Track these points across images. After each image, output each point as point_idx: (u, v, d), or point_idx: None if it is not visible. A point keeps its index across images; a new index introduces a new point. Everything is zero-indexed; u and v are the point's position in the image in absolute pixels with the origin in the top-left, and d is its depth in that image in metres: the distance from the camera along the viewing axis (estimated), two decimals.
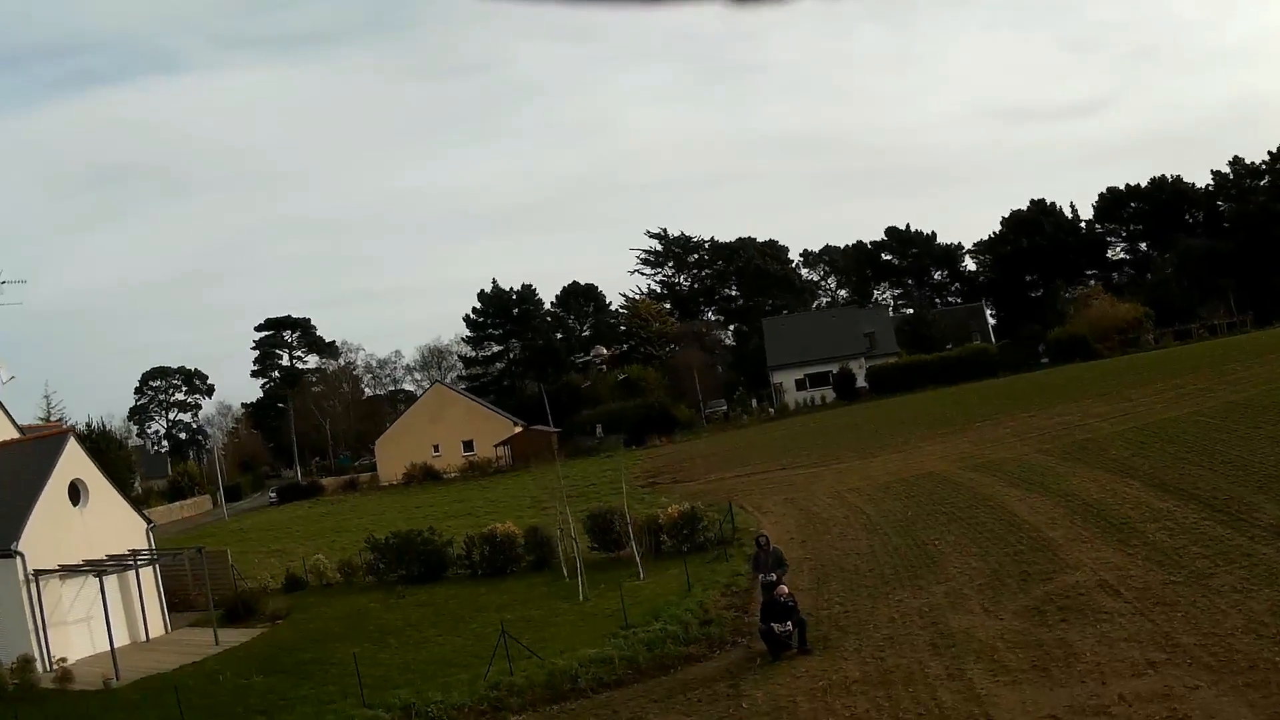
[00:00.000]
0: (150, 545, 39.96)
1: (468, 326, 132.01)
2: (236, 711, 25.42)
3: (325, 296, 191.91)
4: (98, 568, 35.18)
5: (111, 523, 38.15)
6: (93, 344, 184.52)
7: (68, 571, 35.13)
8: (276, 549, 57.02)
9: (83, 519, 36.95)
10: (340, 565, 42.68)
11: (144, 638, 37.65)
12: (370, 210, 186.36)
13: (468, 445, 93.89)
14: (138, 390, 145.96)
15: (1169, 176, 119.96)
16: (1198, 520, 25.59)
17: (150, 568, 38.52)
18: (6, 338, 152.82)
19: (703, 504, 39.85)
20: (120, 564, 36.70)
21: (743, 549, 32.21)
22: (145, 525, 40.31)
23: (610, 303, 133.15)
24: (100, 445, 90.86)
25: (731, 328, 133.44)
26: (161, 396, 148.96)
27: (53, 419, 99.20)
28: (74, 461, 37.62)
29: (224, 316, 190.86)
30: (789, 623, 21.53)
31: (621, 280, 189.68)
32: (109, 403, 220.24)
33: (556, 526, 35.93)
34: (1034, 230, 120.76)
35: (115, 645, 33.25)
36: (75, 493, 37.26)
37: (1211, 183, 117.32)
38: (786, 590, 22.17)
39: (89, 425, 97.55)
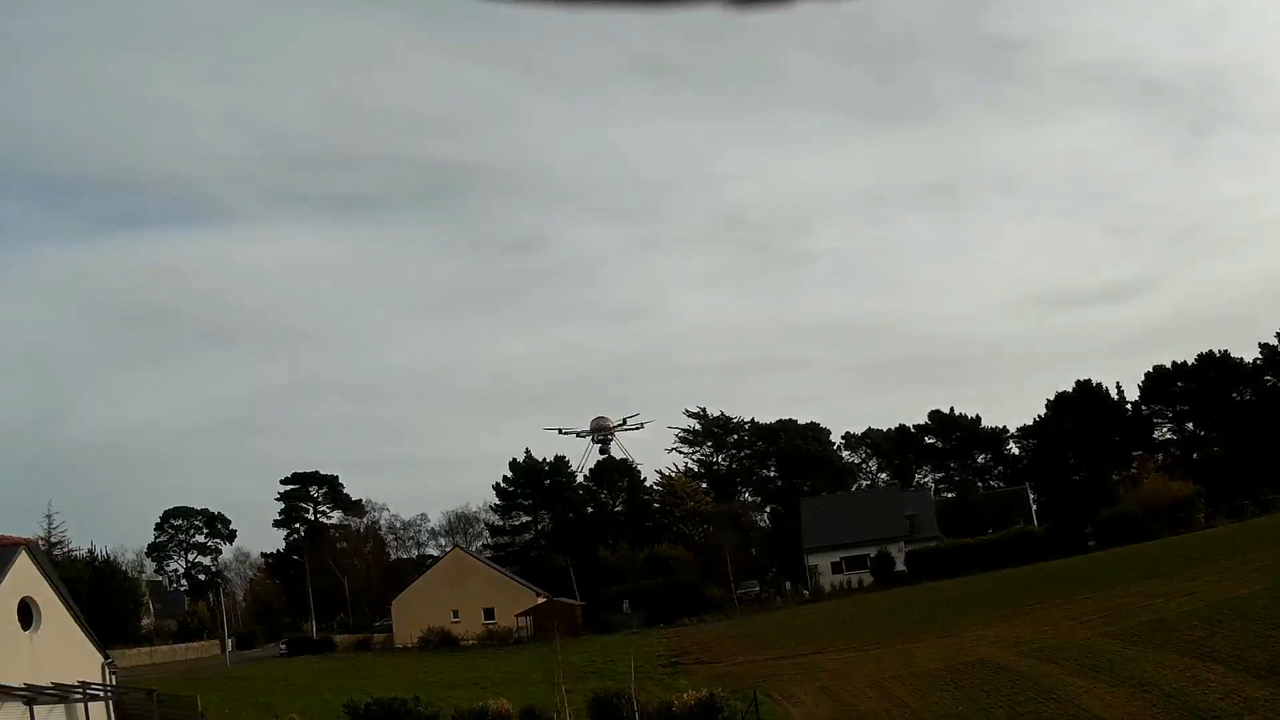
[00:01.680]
0: (105, 680, 36.56)
1: (497, 495, 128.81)
2: None
3: (355, 458, 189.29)
4: (34, 694, 31.63)
5: (63, 651, 35.01)
6: (119, 481, 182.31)
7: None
8: (266, 702, 53.22)
9: (31, 642, 33.64)
10: None
11: None
12: (409, 376, 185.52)
13: (489, 613, 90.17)
14: (158, 527, 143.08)
15: (1216, 352, 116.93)
16: None
17: (104, 705, 35.10)
18: (35, 466, 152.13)
19: (725, 690, 35.92)
20: (61, 694, 33.27)
21: None
22: (102, 660, 37.06)
23: (645, 479, 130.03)
24: (103, 574, 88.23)
25: (768, 509, 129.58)
26: (181, 536, 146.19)
27: (53, 543, 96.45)
28: (25, 578, 34.43)
29: (252, 467, 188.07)
30: None
31: (658, 458, 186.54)
32: (128, 537, 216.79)
33: (555, 708, 31.78)
34: (1079, 411, 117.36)
35: None
36: (26, 613, 33.94)
37: (1259, 356, 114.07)
38: None
39: (92, 554, 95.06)
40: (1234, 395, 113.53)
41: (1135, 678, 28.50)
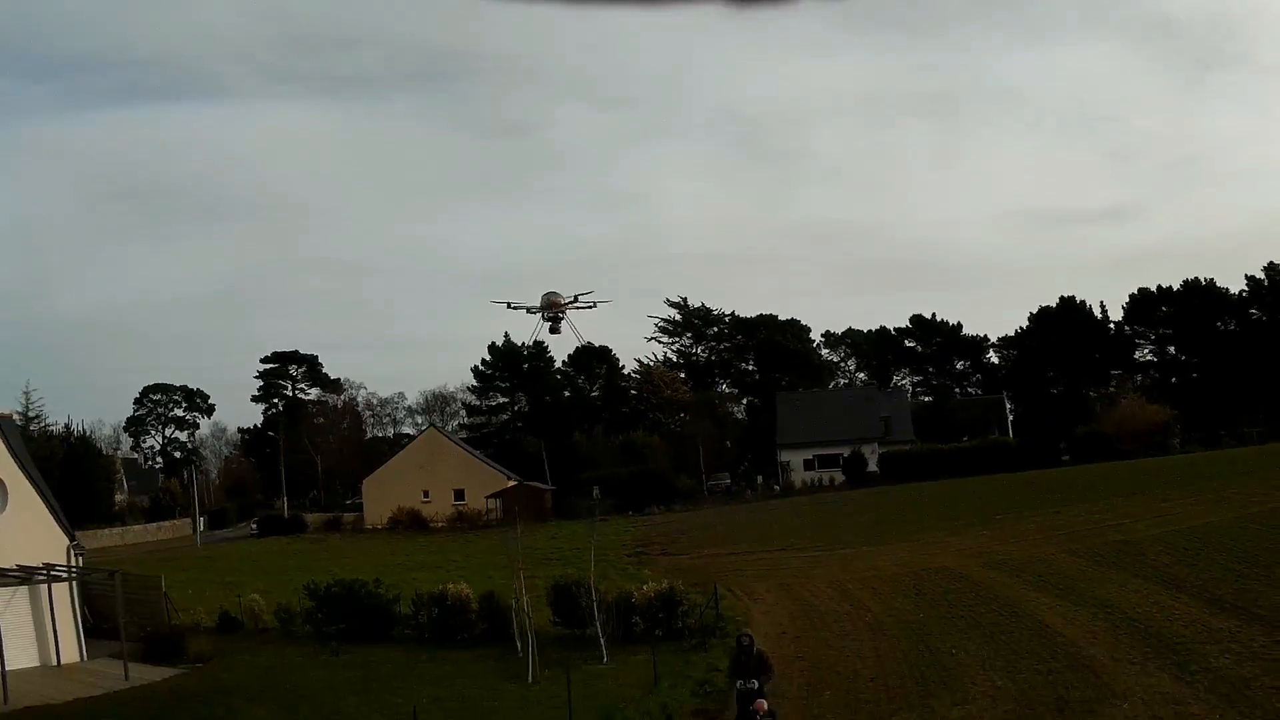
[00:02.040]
0: (70, 562, 35.95)
1: (475, 377, 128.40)
2: None
3: (336, 336, 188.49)
4: None
5: (29, 532, 34.33)
6: (104, 355, 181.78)
7: None
8: (231, 581, 52.98)
9: None
10: (277, 610, 38.47)
11: (55, 662, 33.95)
12: (393, 256, 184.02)
13: (459, 495, 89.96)
14: (137, 402, 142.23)
15: (1202, 280, 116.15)
16: (1267, 645, 21.32)
17: (68, 588, 34.57)
18: (18, 340, 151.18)
19: (686, 583, 35.52)
20: (22, 576, 32.73)
21: (725, 641, 27.83)
22: (67, 541, 36.41)
23: (623, 366, 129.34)
24: (78, 451, 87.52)
25: (745, 401, 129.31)
26: (160, 411, 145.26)
27: (30, 418, 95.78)
28: None
29: (234, 345, 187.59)
30: None
31: (637, 347, 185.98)
32: (108, 413, 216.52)
33: (513, 593, 31.23)
34: (1061, 327, 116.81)
35: (16, 667, 29.79)
36: None
37: (1246, 289, 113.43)
38: (766, 707, 17.84)
39: (68, 428, 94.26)
40: (1218, 325, 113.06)
41: (1099, 599, 28.13)
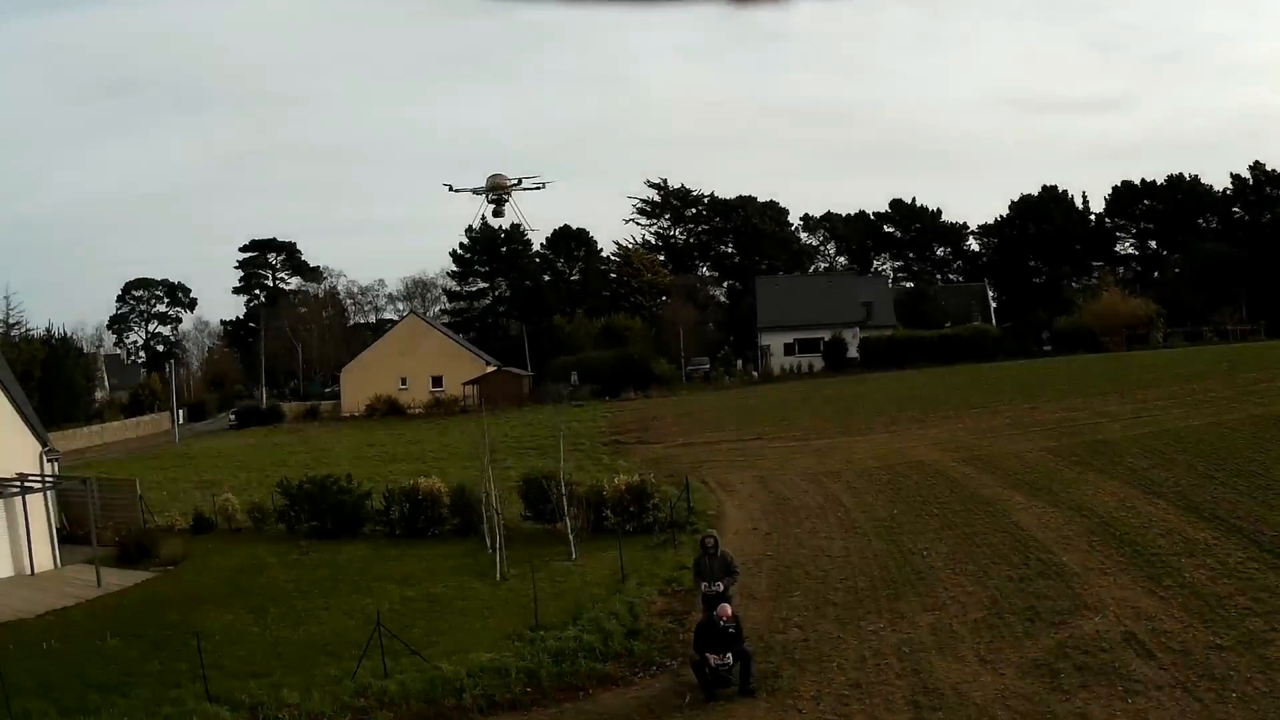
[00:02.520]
0: (43, 470, 35.48)
1: (454, 262, 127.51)
2: (69, 685, 20.88)
3: (317, 223, 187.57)
4: None
5: (1, 442, 33.59)
6: (85, 253, 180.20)
7: None
8: (208, 479, 52.73)
9: None
10: (250, 509, 38.23)
11: (29, 571, 33.50)
12: (372, 141, 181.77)
13: (436, 381, 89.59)
14: (119, 299, 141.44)
15: (1186, 175, 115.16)
16: (1243, 561, 20.95)
17: (42, 497, 34.14)
18: (4, 243, 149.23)
19: (660, 475, 35.30)
20: None
21: (694, 537, 27.46)
22: (39, 449, 35.85)
23: (602, 249, 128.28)
24: (59, 352, 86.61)
25: (725, 285, 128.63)
26: (143, 307, 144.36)
27: (11, 324, 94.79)
28: None
29: (215, 235, 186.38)
30: (728, 655, 16.88)
31: (616, 229, 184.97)
32: (92, 310, 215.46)
33: (484, 488, 30.74)
34: (1042, 216, 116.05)
35: None
36: None
37: (1230, 186, 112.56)
38: (730, 611, 17.45)
39: (49, 331, 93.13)
40: (1200, 221, 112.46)
41: (1074, 500, 27.84)
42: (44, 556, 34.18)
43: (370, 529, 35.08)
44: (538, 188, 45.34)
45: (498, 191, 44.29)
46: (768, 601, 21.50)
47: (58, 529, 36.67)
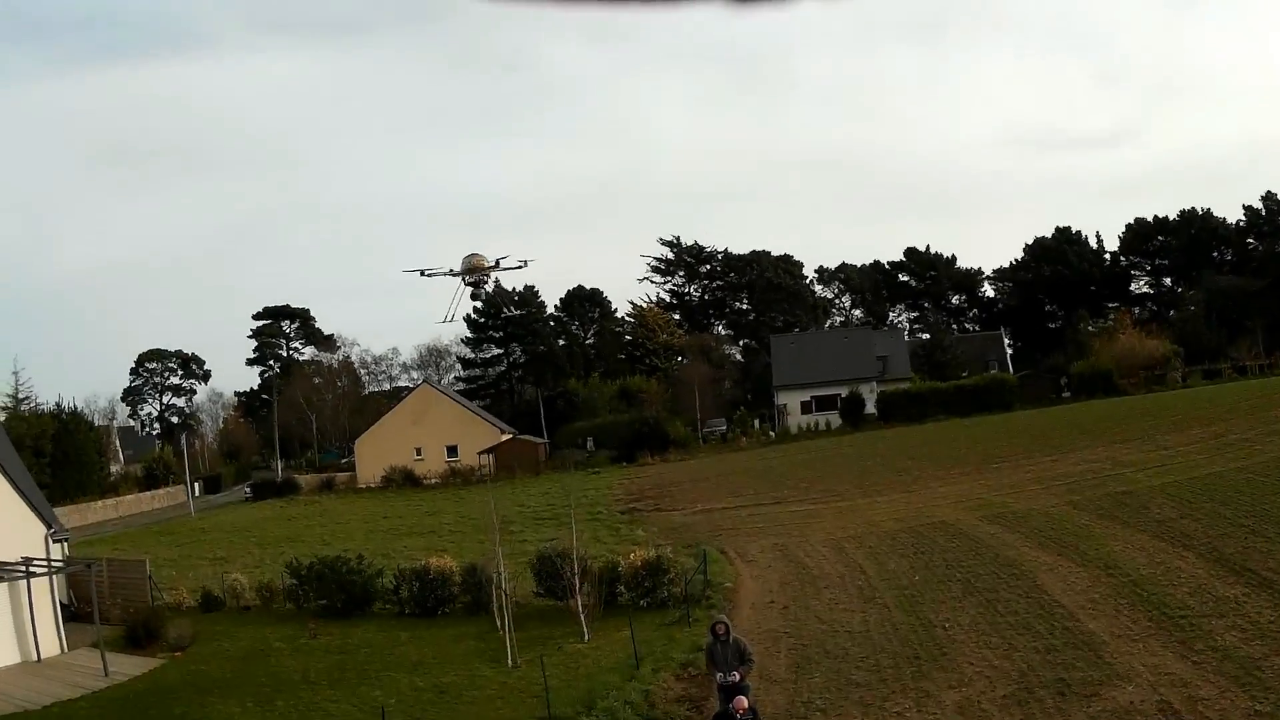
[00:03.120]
0: (48, 554, 35.02)
1: (468, 327, 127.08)
2: None
3: (329, 287, 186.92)
4: None
5: (3, 526, 33.16)
6: (96, 323, 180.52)
7: None
8: (220, 555, 52.22)
9: None
10: (259, 588, 37.67)
11: (35, 657, 32.90)
12: (384, 202, 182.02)
13: (452, 450, 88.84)
14: (133, 371, 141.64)
15: (1199, 210, 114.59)
16: (1275, 619, 20.16)
17: (48, 580, 33.70)
18: (15, 314, 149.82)
19: (677, 546, 34.64)
20: (1, 574, 31.82)
21: (710, 612, 26.74)
22: (45, 530, 35.39)
23: (616, 310, 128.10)
24: (69, 426, 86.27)
25: (741, 343, 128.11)
26: (156, 379, 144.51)
27: (20, 399, 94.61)
28: None
29: (228, 302, 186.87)
30: None
31: (629, 288, 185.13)
32: (104, 384, 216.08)
33: (495, 566, 30.02)
34: (1057, 259, 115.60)
35: None
36: None
37: (1243, 218, 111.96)
38: (747, 704, 16.69)
39: (59, 405, 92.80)
40: (1214, 255, 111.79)
41: (1102, 558, 27.03)
42: (50, 641, 33.63)
43: (380, 607, 34.54)
44: (519, 267, 43.25)
45: (475, 274, 42.17)
46: (788, 684, 20.72)
47: (66, 606, 36.34)
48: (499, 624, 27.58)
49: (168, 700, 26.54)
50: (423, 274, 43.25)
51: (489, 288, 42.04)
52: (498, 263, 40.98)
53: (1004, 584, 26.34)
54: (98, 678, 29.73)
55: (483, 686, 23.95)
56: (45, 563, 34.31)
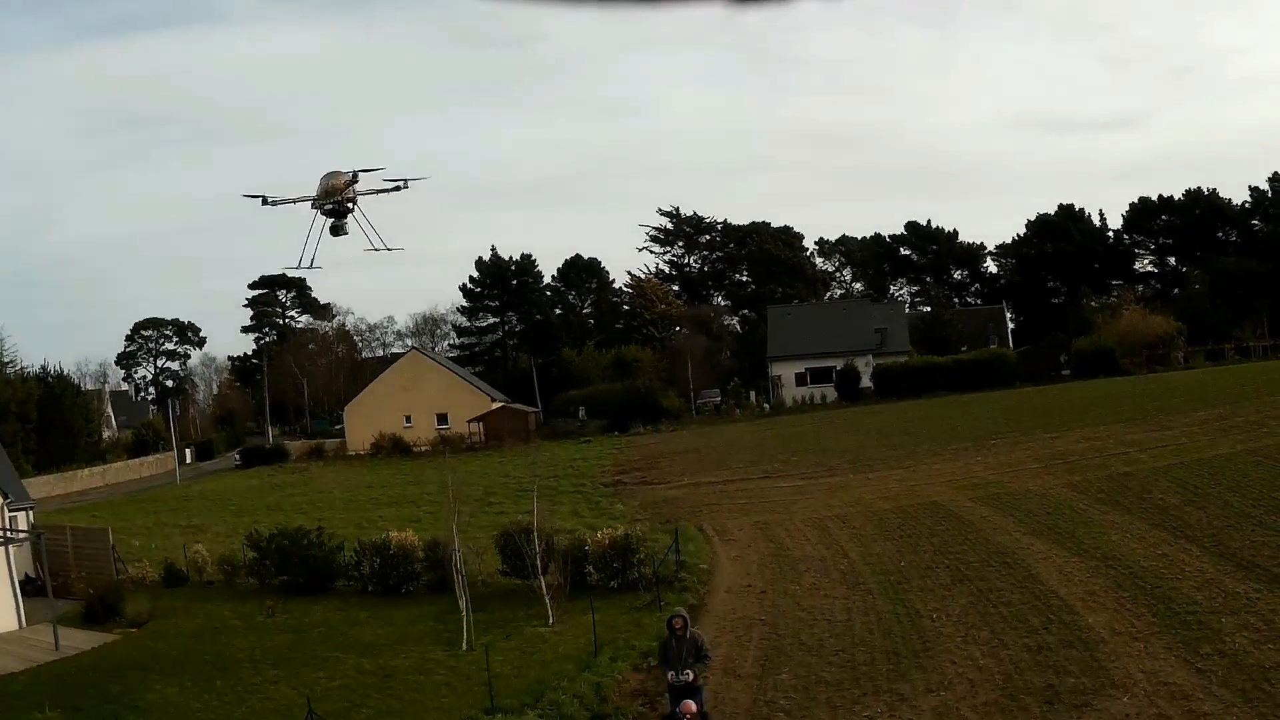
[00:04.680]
0: (4, 525, 33.60)
1: (464, 295, 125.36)
2: None
3: (329, 256, 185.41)
4: None
5: None
6: (95, 292, 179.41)
7: None
8: (196, 524, 50.86)
9: None
10: (221, 561, 36.16)
11: None
12: (389, 173, 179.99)
13: (442, 418, 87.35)
14: (129, 338, 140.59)
15: (1204, 190, 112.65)
16: None
17: (3, 553, 32.25)
18: (18, 277, 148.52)
19: (655, 523, 33.03)
20: None
21: (681, 597, 25.19)
22: (1, 500, 34.01)
23: (614, 280, 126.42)
24: (55, 391, 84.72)
25: (740, 314, 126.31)
26: (152, 345, 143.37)
27: (5, 361, 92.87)
28: None
29: (226, 270, 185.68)
30: None
31: (628, 258, 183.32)
32: (98, 351, 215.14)
33: (460, 539, 28.25)
34: (1060, 235, 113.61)
35: None
36: None
37: (1249, 200, 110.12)
38: (695, 710, 15.04)
39: (44, 369, 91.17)
40: (1219, 236, 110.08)
41: (1099, 547, 25.36)
42: (8, 615, 32.36)
43: (343, 584, 33.15)
44: (396, 187, 32.62)
45: (334, 200, 31.82)
46: (753, 680, 19.07)
47: (33, 579, 35.12)
48: (460, 604, 26.01)
49: (107, 678, 25.26)
50: (266, 202, 33.42)
51: (356, 216, 32.82)
52: (355, 175, 31.99)
53: (995, 572, 24.68)
54: (48, 652, 28.61)
55: (432, 671, 22.39)
56: (1, 531, 32.96)
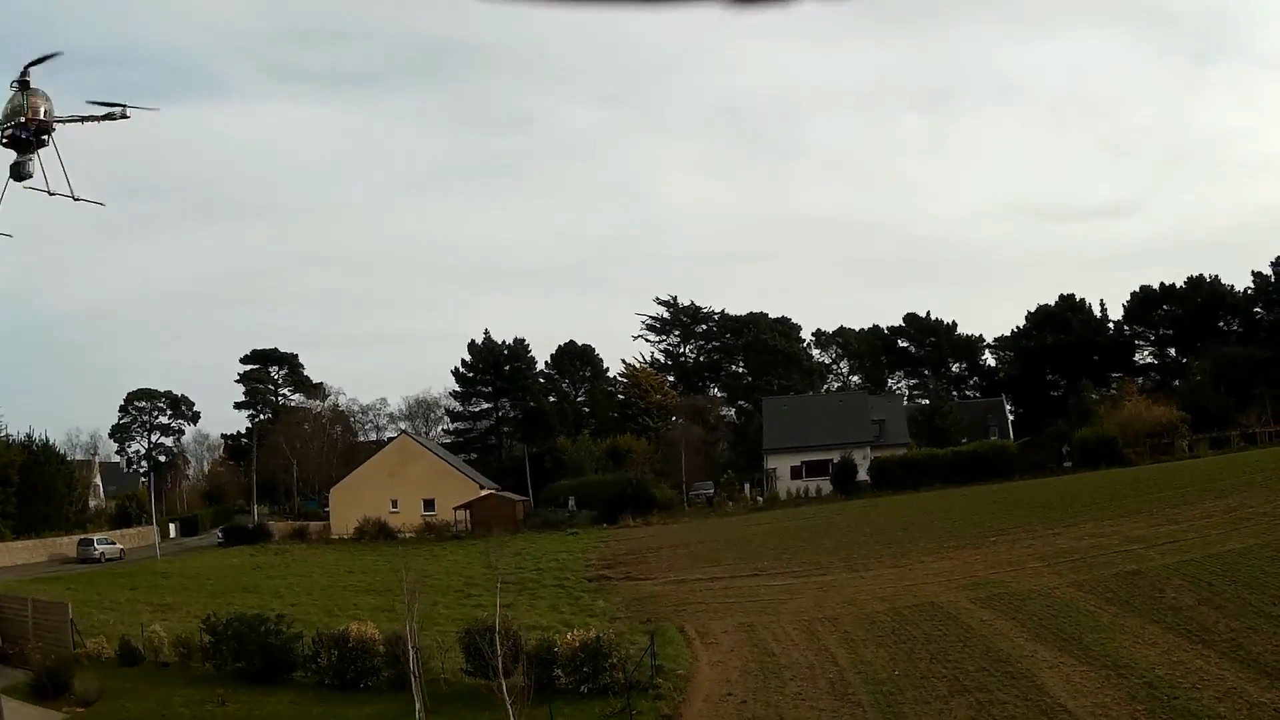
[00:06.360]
0: None
1: (456, 380, 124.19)
2: None
3: (323, 335, 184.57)
4: None
5: None
6: (89, 358, 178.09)
7: None
8: (168, 602, 49.16)
9: None
10: (177, 643, 34.87)
11: None
12: (385, 253, 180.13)
13: (429, 504, 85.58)
14: (121, 409, 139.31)
15: (1206, 276, 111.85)
16: None
17: None
18: (8, 341, 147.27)
19: (632, 622, 31.12)
20: None
21: (655, 705, 23.12)
22: None
23: (608, 368, 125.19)
24: (38, 458, 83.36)
25: (736, 405, 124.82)
26: (145, 418, 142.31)
27: None
28: None
29: (221, 343, 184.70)
30: None
31: (623, 346, 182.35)
32: (90, 419, 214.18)
33: (424, 635, 26.27)
34: (1060, 326, 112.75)
35: None
36: None
37: (1251, 285, 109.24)
38: None
39: (29, 437, 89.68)
40: (1220, 324, 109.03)
41: (1109, 654, 23.38)
42: None
43: (300, 675, 31.62)
44: (108, 116, 25.91)
45: (19, 126, 24.04)
46: None
47: None
48: (418, 705, 23.96)
49: None
50: None
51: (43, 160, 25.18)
52: (27, 72, 24.41)
53: (997, 682, 22.68)
54: None
55: None
56: None
